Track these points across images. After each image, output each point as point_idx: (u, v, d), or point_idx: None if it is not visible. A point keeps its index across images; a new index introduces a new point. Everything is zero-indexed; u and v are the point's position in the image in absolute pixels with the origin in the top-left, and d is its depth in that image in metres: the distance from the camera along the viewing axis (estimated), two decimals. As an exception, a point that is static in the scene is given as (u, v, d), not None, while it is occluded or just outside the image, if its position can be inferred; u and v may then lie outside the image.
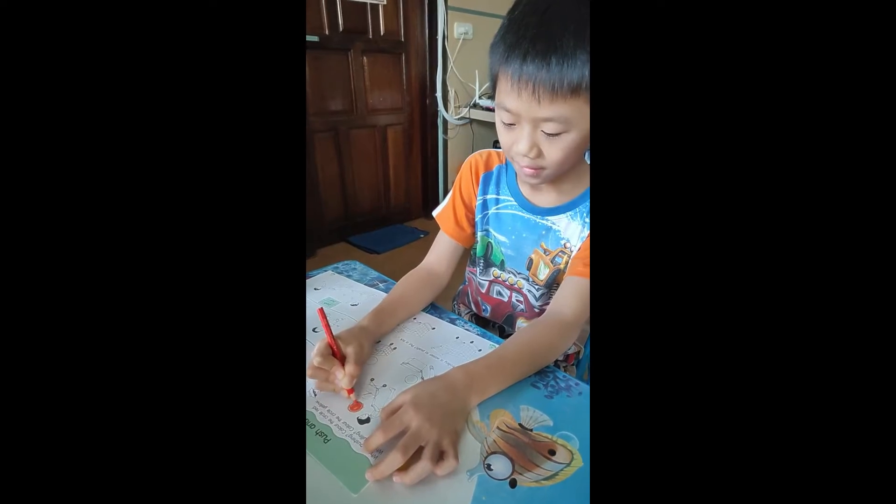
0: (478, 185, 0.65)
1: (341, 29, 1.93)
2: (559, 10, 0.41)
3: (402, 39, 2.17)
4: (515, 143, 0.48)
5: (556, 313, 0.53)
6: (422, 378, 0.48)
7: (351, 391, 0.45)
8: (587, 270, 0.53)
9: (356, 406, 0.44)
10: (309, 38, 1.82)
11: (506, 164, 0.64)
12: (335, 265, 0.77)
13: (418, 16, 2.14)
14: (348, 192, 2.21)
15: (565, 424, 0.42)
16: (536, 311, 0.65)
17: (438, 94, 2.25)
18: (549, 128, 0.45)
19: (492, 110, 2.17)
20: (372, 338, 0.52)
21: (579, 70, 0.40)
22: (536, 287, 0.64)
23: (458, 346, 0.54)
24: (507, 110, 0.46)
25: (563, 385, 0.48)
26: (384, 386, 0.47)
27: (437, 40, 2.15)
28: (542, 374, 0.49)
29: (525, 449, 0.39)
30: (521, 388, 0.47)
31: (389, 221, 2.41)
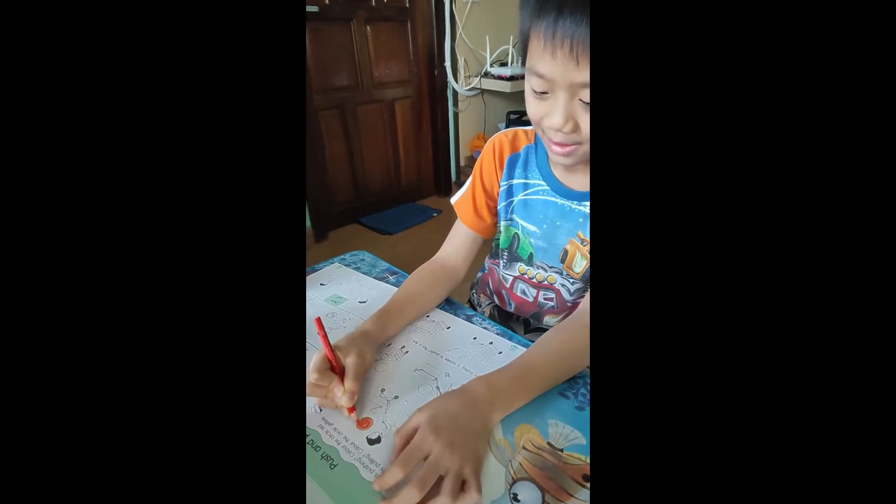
0: (502, 170, 0.57)
1: (342, -3, 1.82)
2: None
3: (407, 5, 2.04)
4: (548, 115, 0.41)
5: (587, 313, 0.47)
6: (437, 387, 0.44)
7: (352, 409, 0.40)
8: None
9: (365, 423, 0.40)
10: (308, 8, 1.72)
11: (535, 144, 0.56)
12: (342, 256, 0.72)
13: (423, -22, 2.00)
14: (357, 171, 2.15)
15: (601, 442, 0.37)
16: (570, 306, 0.59)
17: (447, 63, 2.12)
18: (589, 95, 0.38)
19: (504, 79, 2.06)
20: (375, 343, 0.47)
21: None
22: (571, 281, 0.57)
23: (475, 348, 0.49)
24: (540, 75, 0.39)
25: (595, 394, 0.42)
26: (396, 398, 0.43)
27: (443, 5, 2.01)
28: (571, 381, 0.44)
29: (555, 473, 0.35)
30: (549, 399, 0.42)
31: (401, 200, 2.35)
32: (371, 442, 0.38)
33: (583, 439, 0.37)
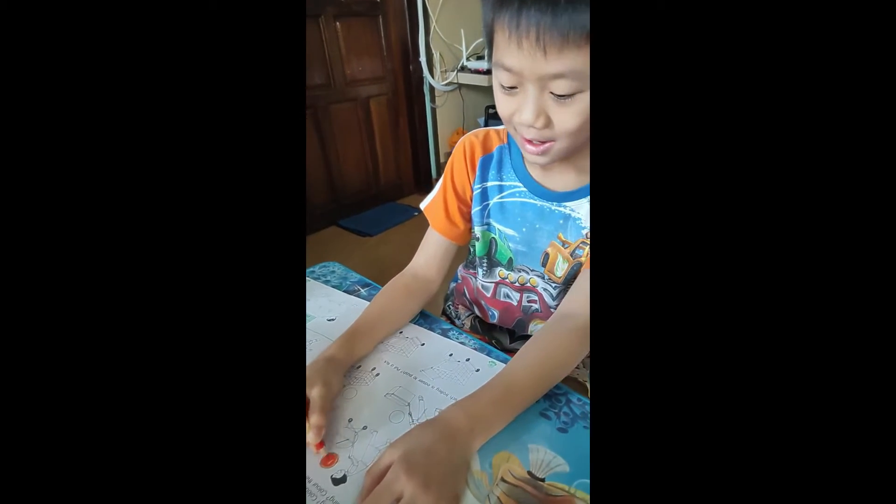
0: (474, 172, 0.54)
1: (309, -8, 1.75)
2: None
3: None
4: (518, 110, 0.38)
5: (568, 315, 0.45)
6: (409, 412, 0.40)
7: (320, 445, 0.37)
8: None
9: (329, 460, 0.37)
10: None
11: (508, 144, 0.52)
12: (311, 269, 0.68)
13: (393, -29, 1.94)
14: (333, 172, 2.09)
15: (584, 468, 0.34)
16: (553, 310, 0.56)
17: (422, 58, 2.07)
18: (560, 87, 0.36)
19: (481, 72, 2.02)
20: (342, 369, 0.43)
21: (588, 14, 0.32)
22: (553, 285, 0.54)
23: (450, 367, 0.46)
24: (507, 69, 0.37)
25: (578, 412, 0.40)
26: (364, 428, 0.39)
27: (415, -2, 1.96)
28: (553, 399, 0.41)
29: (537, 508, 0.32)
30: (530, 421, 0.39)
31: (380, 200, 2.29)
32: (336, 482, 0.35)
33: (566, 466, 0.35)
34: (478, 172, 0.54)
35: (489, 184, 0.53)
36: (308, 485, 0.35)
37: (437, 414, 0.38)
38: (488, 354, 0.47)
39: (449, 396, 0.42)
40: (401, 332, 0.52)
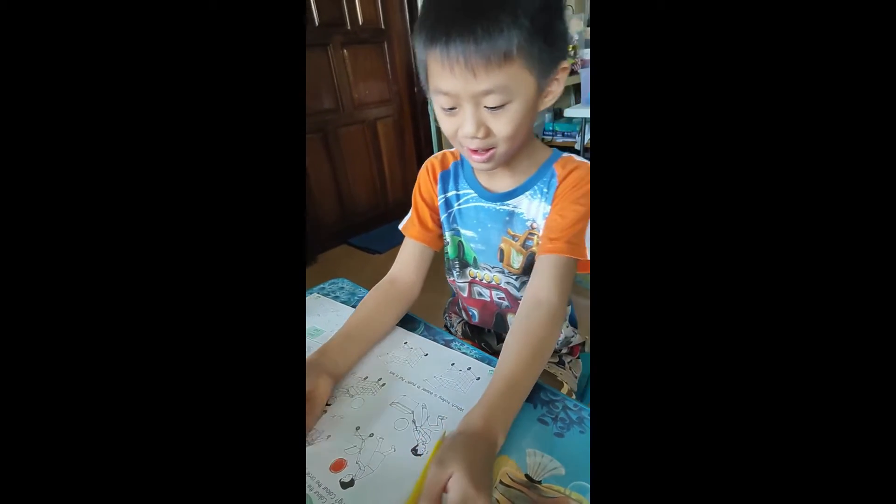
0: (437, 185, 0.62)
1: (317, 23, 1.84)
2: None
3: (383, 27, 2.07)
4: (461, 126, 0.45)
5: (535, 301, 0.49)
6: (413, 422, 0.42)
7: None
8: (555, 245, 0.50)
9: (338, 465, 0.39)
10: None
11: (461, 160, 0.61)
12: (321, 286, 0.71)
13: (396, 0, 2.03)
14: (343, 192, 2.15)
15: (579, 471, 0.36)
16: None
17: (426, 80, 2.14)
18: (491, 100, 0.42)
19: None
20: (327, 376, 0.45)
21: (507, 35, 0.39)
22: (514, 277, 0.60)
23: (452, 376, 0.48)
24: (445, 93, 0.43)
25: (574, 417, 0.41)
26: (371, 436, 0.42)
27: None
28: (549, 405, 0.43)
29: (534, 509, 0.33)
30: (527, 426, 0.41)
31: (389, 218, 2.34)
32: (344, 485, 0.37)
33: (561, 469, 0.36)
34: (439, 185, 0.62)
35: (449, 194, 0.62)
36: (319, 489, 0.37)
37: (439, 421, 0.40)
38: (489, 363, 0.49)
39: (451, 404, 0.44)
40: (406, 343, 0.54)
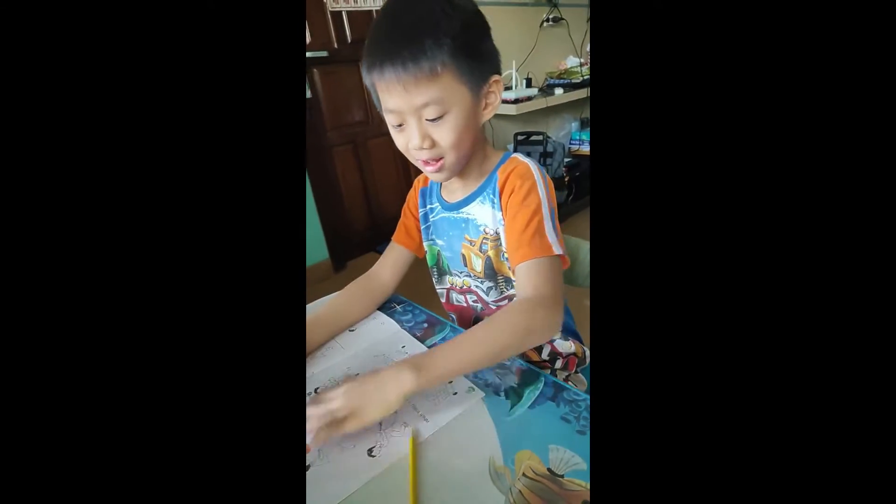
0: (418, 199, 0.69)
1: (349, 41, 1.93)
2: (403, 6, 0.47)
3: (412, 42, 2.14)
4: (410, 139, 0.50)
5: (517, 298, 0.51)
6: (380, 423, 0.43)
7: None
8: (519, 253, 0.51)
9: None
10: (318, 54, 1.83)
11: None
12: (351, 288, 0.75)
13: (425, 15, 2.09)
14: (372, 201, 2.21)
15: (602, 467, 0.37)
16: (493, 308, 0.64)
17: (453, 92, 2.19)
18: (430, 112, 0.47)
19: (509, 102, 2.10)
20: None
21: (430, 55, 0.45)
22: (480, 280, 0.64)
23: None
24: (391, 111, 0.49)
25: (597, 417, 0.42)
26: None
27: (446, 38, 2.09)
28: (573, 405, 0.44)
29: (556, 501, 0.35)
30: (550, 423, 0.42)
31: (416, 226, 2.39)
32: None
33: (583, 464, 0.37)
34: (420, 199, 0.69)
35: (427, 207, 0.68)
36: None
37: (402, 428, 0.43)
38: (472, 381, 0.48)
39: (419, 413, 0.44)
40: (403, 347, 0.56)
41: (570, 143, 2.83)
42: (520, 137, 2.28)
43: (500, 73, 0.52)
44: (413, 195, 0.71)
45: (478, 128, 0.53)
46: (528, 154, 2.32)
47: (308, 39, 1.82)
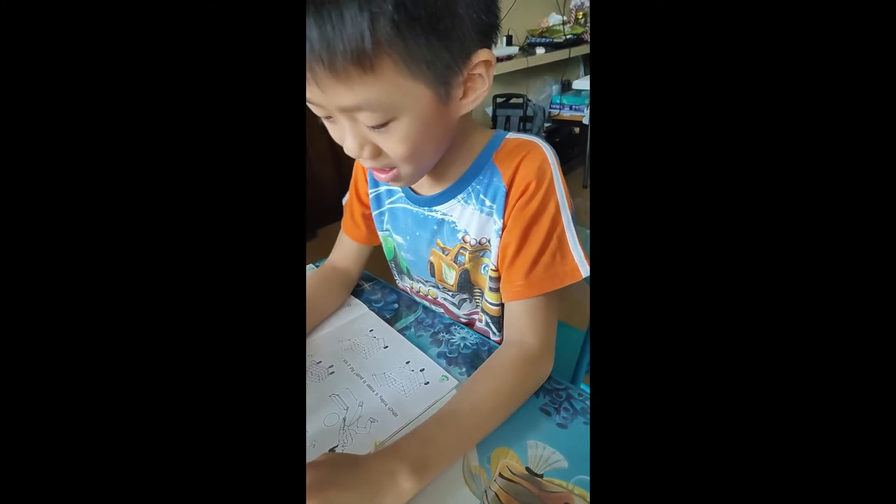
0: (367, 178, 0.54)
1: None
2: None
3: None
4: (343, 140, 0.35)
5: (507, 342, 0.42)
6: (344, 418, 0.39)
7: None
8: (541, 282, 0.40)
9: None
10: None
11: None
12: (320, 261, 0.68)
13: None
14: (343, 165, 2.10)
15: (583, 465, 0.34)
16: (464, 321, 0.54)
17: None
18: (366, 119, 0.32)
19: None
20: None
21: (352, 34, 0.26)
22: (451, 294, 0.52)
23: (402, 375, 0.44)
24: (311, 102, 0.32)
25: (578, 408, 0.40)
26: None
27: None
28: (554, 394, 0.41)
29: (534, 504, 0.32)
30: (529, 416, 0.39)
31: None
32: None
33: (564, 462, 0.35)
34: (370, 177, 0.54)
35: (382, 188, 0.53)
36: None
37: (369, 424, 0.38)
38: (446, 367, 0.45)
39: (387, 406, 0.41)
40: (371, 331, 0.51)
41: (551, 108, 2.74)
42: (499, 100, 2.17)
43: (490, 44, 0.33)
44: (361, 171, 0.54)
45: (449, 127, 0.36)
46: (508, 119, 2.25)
47: None
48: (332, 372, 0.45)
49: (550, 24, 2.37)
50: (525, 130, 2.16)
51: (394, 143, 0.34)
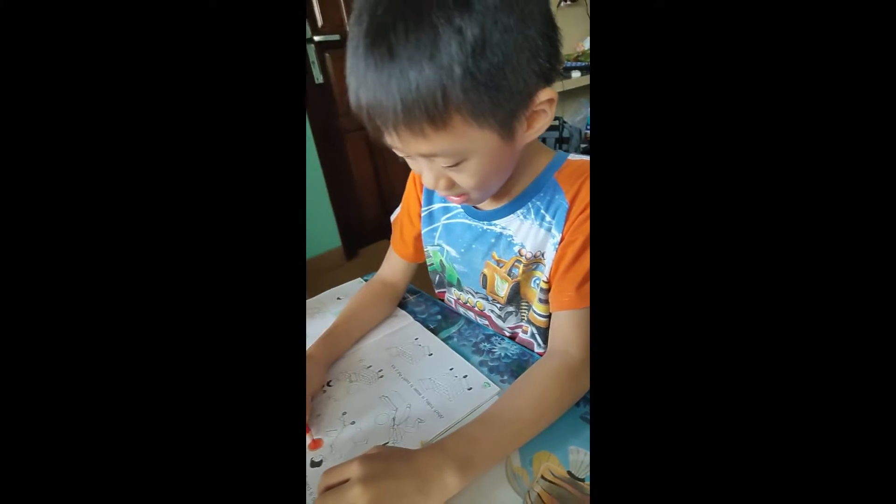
0: (422, 195, 0.58)
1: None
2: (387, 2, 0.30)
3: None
4: (420, 174, 0.40)
5: (550, 353, 0.44)
6: (394, 418, 0.43)
7: (307, 430, 0.41)
8: (580, 298, 0.42)
9: (316, 444, 0.40)
10: (329, 37, 1.80)
11: None
12: (370, 275, 0.73)
13: None
14: (384, 188, 2.19)
15: (625, 471, 0.35)
16: (507, 333, 0.55)
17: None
18: (441, 161, 0.36)
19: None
20: (321, 365, 0.48)
21: (427, 98, 0.30)
22: (499, 306, 0.53)
23: (446, 381, 0.47)
24: (391, 146, 0.37)
25: (620, 417, 0.40)
26: (353, 423, 0.43)
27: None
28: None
29: (576, 506, 0.33)
30: (570, 424, 0.40)
31: (428, 214, 2.36)
32: (313, 464, 0.39)
33: (606, 468, 0.35)
34: (424, 195, 0.57)
35: (435, 206, 0.57)
36: None
37: (417, 424, 0.41)
38: (487, 374, 0.47)
39: (433, 409, 0.43)
40: (416, 339, 0.54)
41: (587, 129, 2.75)
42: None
43: (551, 81, 0.35)
44: (413, 189, 0.58)
45: (514, 156, 0.40)
46: (544, 140, 2.27)
47: (320, 23, 1.78)
48: (382, 376, 0.49)
49: (586, 49, 2.41)
50: (562, 152, 2.18)
51: (466, 178, 0.39)
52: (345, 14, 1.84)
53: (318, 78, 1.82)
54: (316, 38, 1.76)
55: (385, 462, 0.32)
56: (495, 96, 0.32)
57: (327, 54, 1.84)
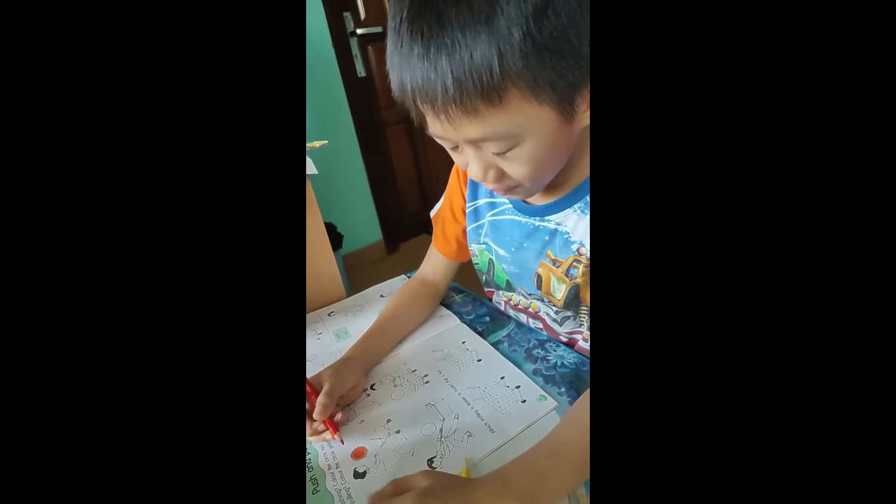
0: (466, 190, 0.53)
1: (404, 13, 1.86)
2: None
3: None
4: (468, 166, 0.36)
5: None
6: (440, 429, 0.39)
7: (334, 431, 0.39)
8: None
9: (359, 453, 0.38)
10: (371, 30, 1.79)
11: None
12: (413, 272, 0.71)
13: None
14: (425, 182, 2.18)
15: None
16: (564, 339, 0.50)
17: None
18: (491, 147, 0.33)
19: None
20: (358, 367, 0.45)
21: (484, 69, 0.27)
22: (555, 309, 0.48)
23: (497, 391, 0.43)
24: (439, 137, 0.35)
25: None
26: (398, 432, 0.40)
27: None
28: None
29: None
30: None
31: (469, 207, 2.33)
32: (356, 475, 0.36)
33: None
34: (468, 191, 0.53)
35: (480, 202, 0.52)
36: (335, 470, 0.37)
37: (466, 438, 0.37)
38: (542, 385, 0.43)
39: (483, 422, 0.39)
40: (464, 343, 0.51)
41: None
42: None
43: None
44: (457, 184, 0.54)
45: (571, 140, 0.35)
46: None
47: (362, 16, 1.78)
48: (427, 381, 0.46)
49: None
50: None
51: (518, 166, 0.34)
52: (386, 5, 1.82)
53: (361, 71, 1.82)
54: (358, 31, 1.76)
55: (440, 500, 0.29)
56: (558, 63, 0.28)
57: (370, 47, 1.83)
